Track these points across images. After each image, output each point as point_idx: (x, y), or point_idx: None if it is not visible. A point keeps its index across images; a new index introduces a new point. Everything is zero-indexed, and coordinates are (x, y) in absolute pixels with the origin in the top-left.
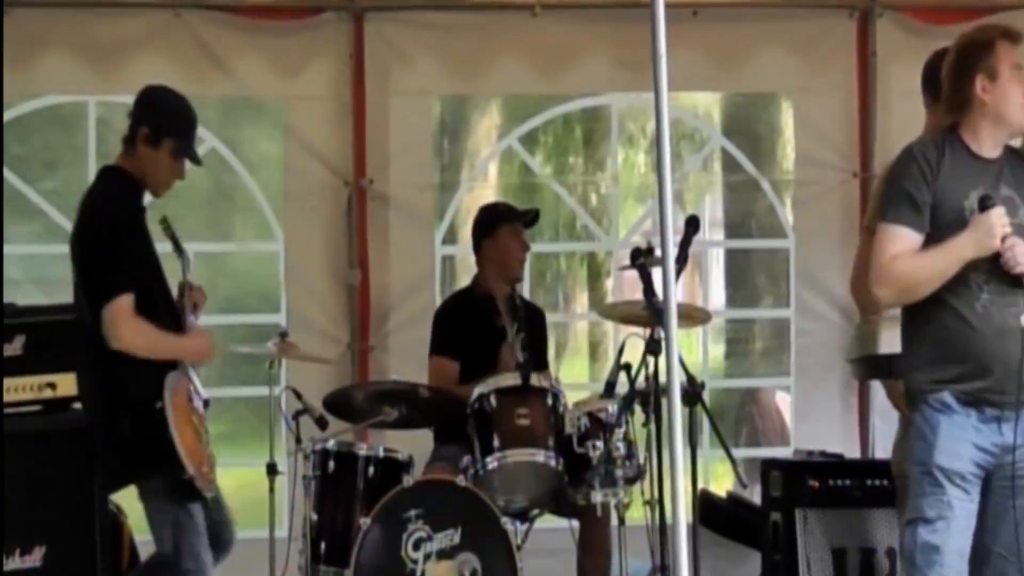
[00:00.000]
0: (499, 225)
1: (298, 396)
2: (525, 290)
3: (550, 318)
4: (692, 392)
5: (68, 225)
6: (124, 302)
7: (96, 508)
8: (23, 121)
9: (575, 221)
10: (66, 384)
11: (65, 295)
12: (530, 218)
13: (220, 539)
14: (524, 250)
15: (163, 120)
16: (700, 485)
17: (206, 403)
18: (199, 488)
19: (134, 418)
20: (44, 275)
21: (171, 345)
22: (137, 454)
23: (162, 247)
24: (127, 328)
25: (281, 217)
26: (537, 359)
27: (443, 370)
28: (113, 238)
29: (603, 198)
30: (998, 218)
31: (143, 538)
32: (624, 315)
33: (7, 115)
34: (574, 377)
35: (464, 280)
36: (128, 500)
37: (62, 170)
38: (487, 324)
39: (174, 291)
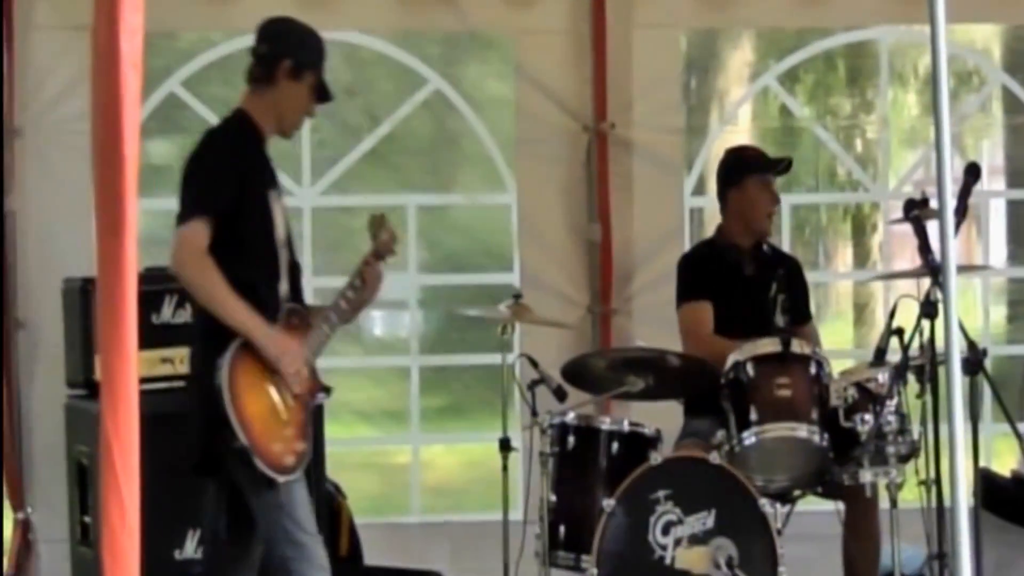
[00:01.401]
0: (747, 175)
1: (534, 364)
2: (785, 244)
3: (810, 277)
4: (973, 360)
5: None
6: (197, 229)
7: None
8: (230, 61)
9: (838, 169)
10: None
11: None
12: (783, 167)
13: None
14: (774, 203)
15: (304, 52)
16: (982, 464)
17: (324, 390)
18: (258, 464)
19: (203, 380)
20: None
21: (232, 306)
22: (202, 416)
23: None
24: (190, 256)
25: (513, 166)
26: (799, 315)
27: (699, 314)
28: (203, 161)
29: (870, 144)
30: None
31: (364, 520)
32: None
33: (212, 54)
34: (838, 343)
35: None
36: (350, 479)
37: None
38: (735, 275)
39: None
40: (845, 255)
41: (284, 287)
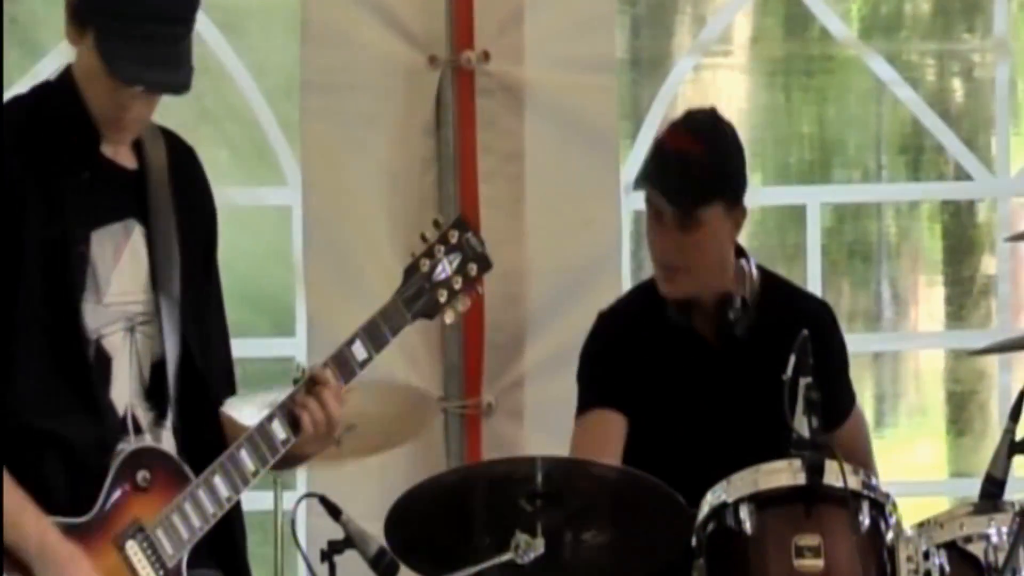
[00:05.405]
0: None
1: (332, 512)
2: (813, 280)
3: (866, 342)
4: None
5: None
6: None
7: None
8: None
9: (919, 138)
10: None
11: None
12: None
13: None
14: (668, 248)
15: None
16: None
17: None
18: None
19: None
20: None
21: None
22: None
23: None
24: None
25: (295, 137)
26: (832, 411)
27: (597, 432)
28: None
29: (975, 90)
30: None
31: None
32: None
33: None
34: (916, 466)
35: None
36: None
37: None
38: (688, 354)
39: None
40: (930, 300)
41: (118, 408)
